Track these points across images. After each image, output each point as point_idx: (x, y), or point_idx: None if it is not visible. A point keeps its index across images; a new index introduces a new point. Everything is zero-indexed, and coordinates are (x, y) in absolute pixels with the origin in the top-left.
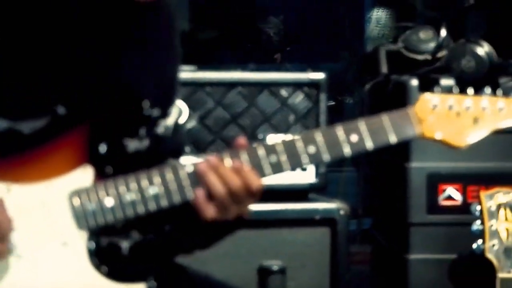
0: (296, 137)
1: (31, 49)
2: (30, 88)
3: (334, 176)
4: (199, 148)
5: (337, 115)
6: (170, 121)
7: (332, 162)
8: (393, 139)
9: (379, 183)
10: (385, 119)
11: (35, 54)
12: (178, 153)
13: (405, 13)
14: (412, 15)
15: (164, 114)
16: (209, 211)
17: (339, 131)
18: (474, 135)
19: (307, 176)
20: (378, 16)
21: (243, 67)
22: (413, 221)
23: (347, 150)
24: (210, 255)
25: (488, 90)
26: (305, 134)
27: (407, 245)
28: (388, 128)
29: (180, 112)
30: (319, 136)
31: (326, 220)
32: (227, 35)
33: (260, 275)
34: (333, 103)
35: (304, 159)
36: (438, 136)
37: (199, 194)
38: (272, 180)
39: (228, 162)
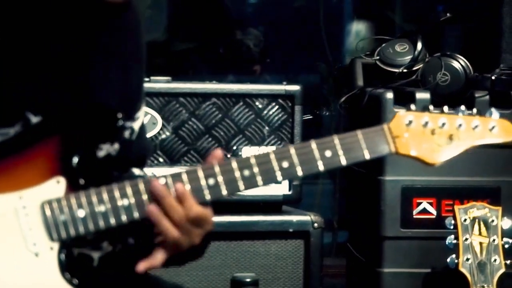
0: (270, 151)
1: (1, 55)
2: (1, 95)
3: (310, 188)
4: (173, 160)
5: (314, 128)
6: (136, 125)
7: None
8: (367, 155)
9: (354, 196)
10: (360, 135)
11: (5, 60)
12: (143, 157)
13: (384, 26)
14: (391, 28)
15: (131, 119)
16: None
17: (313, 146)
18: (449, 153)
19: (280, 188)
20: (358, 28)
21: (221, 78)
22: (386, 235)
23: (320, 166)
24: (183, 267)
25: (463, 108)
26: (279, 149)
27: (381, 259)
28: (363, 145)
29: (145, 116)
30: (292, 151)
31: (300, 232)
32: (204, 46)
33: (233, 287)
34: (310, 116)
35: (278, 174)
36: (412, 153)
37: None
38: (245, 192)
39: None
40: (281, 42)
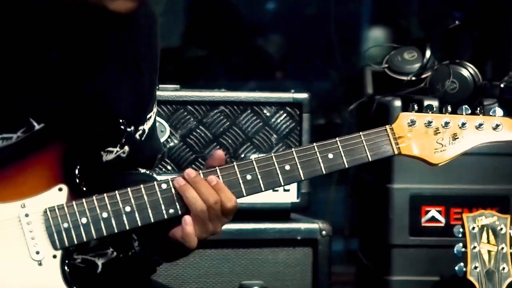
0: (272, 155)
1: (6, 61)
2: (3, 102)
3: (323, 195)
4: (181, 168)
5: (327, 135)
6: (147, 126)
7: (322, 182)
8: (370, 157)
9: (363, 203)
10: (362, 137)
11: (9, 66)
12: (153, 158)
13: (401, 33)
14: (409, 35)
15: (142, 121)
16: (190, 228)
17: (315, 149)
18: (452, 152)
19: (289, 196)
20: (375, 35)
21: (241, 85)
22: (395, 243)
23: (322, 169)
24: (191, 274)
25: (467, 107)
26: (281, 152)
27: (389, 267)
28: (365, 147)
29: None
30: (294, 155)
31: (308, 240)
32: (220, 53)
33: None
34: (323, 122)
35: (279, 177)
36: (415, 153)
37: (188, 225)
38: (254, 199)
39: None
40: (297, 49)
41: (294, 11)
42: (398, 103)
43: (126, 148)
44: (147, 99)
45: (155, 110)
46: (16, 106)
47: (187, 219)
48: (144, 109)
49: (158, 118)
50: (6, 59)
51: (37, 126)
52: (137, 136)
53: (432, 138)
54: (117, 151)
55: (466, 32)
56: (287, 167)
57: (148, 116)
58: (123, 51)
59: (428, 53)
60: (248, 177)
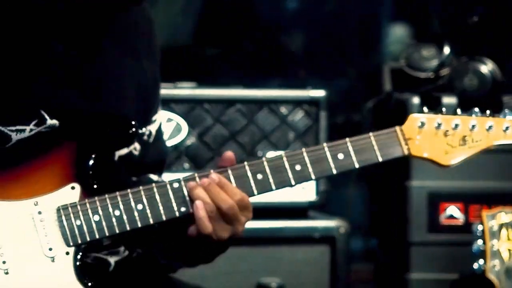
0: (282, 154)
1: (16, 50)
2: (16, 93)
3: (343, 193)
4: (198, 165)
5: (345, 133)
6: (153, 127)
7: (340, 180)
8: (379, 158)
9: (382, 201)
10: (372, 137)
11: (21, 58)
12: (161, 162)
13: (424, 29)
14: (431, 31)
15: (148, 122)
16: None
17: (325, 149)
18: (462, 155)
19: (307, 194)
20: (396, 32)
21: (265, 83)
22: (413, 240)
23: (333, 169)
24: (208, 272)
25: (477, 109)
26: (291, 152)
27: (408, 264)
28: (375, 147)
29: (170, 122)
30: (304, 154)
31: (326, 238)
32: (237, 51)
33: None
34: (342, 120)
35: (290, 177)
36: (425, 155)
37: (200, 209)
38: (272, 197)
39: (216, 179)
40: (316, 46)
41: (314, 8)
42: (416, 100)
43: (137, 145)
44: (152, 98)
45: (160, 112)
46: (28, 97)
47: (198, 203)
48: (149, 108)
49: (175, 117)
50: (15, 48)
51: (49, 121)
52: (145, 137)
53: (442, 140)
54: (128, 148)
55: (486, 28)
56: (298, 167)
57: (153, 118)
58: (125, 45)
59: (447, 50)
60: (259, 176)
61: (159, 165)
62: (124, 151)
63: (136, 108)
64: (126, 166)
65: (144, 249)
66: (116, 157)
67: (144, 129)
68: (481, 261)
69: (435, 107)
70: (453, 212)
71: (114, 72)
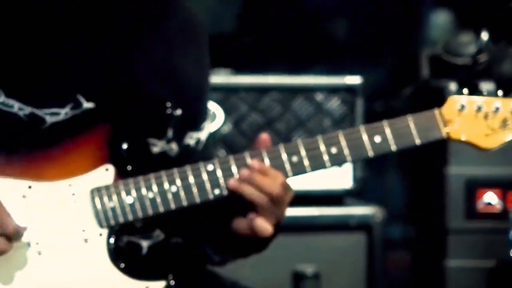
0: (318, 138)
1: (58, 39)
2: (53, 76)
3: (379, 180)
4: (234, 153)
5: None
6: (202, 135)
7: (378, 166)
8: (417, 141)
9: (419, 188)
10: (410, 121)
11: (59, 43)
12: None
13: (458, 17)
14: (475, 18)
15: (197, 128)
16: (263, 224)
17: (363, 132)
18: (503, 138)
19: (344, 181)
20: (439, 18)
21: (309, 70)
22: (451, 227)
23: (369, 151)
24: (244, 260)
25: None
26: (328, 135)
27: (445, 252)
28: (413, 130)
29: (212, 126)
30: (341, 137)
31: (362, 226)
32: (275, 39)
33: (294, 279)
34: (379, 107)
35: (325, 159)
36: (463, 138)
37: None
38: (308, 185)
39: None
40: (355, 34)
41: None
42: (453, 86)
43: (174, 146)
44: (197, 104)
45: (208, 122)
46: (65, 81)
47: (252, 216)
48: (196, 114)
49: (212, 104)
50: (54, 32)
51: (85, 104)
52: (191, 142)
53: (482, 122)
54: (162, 147)
55: None
56: (334, 150)
57: (202, 126)
58: (169, 45)
59: (485, 35)
60: (294, 158)
61: None
62: (156, 149)
63: (175, 101)
64: (163, 167)
65: (186, 239)
66: (152, 153)
67: (190, 134)
68: None
69: (473, 93)
70: (490, 199)
71: (151, 62)
